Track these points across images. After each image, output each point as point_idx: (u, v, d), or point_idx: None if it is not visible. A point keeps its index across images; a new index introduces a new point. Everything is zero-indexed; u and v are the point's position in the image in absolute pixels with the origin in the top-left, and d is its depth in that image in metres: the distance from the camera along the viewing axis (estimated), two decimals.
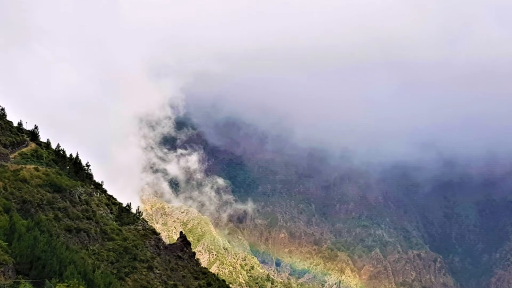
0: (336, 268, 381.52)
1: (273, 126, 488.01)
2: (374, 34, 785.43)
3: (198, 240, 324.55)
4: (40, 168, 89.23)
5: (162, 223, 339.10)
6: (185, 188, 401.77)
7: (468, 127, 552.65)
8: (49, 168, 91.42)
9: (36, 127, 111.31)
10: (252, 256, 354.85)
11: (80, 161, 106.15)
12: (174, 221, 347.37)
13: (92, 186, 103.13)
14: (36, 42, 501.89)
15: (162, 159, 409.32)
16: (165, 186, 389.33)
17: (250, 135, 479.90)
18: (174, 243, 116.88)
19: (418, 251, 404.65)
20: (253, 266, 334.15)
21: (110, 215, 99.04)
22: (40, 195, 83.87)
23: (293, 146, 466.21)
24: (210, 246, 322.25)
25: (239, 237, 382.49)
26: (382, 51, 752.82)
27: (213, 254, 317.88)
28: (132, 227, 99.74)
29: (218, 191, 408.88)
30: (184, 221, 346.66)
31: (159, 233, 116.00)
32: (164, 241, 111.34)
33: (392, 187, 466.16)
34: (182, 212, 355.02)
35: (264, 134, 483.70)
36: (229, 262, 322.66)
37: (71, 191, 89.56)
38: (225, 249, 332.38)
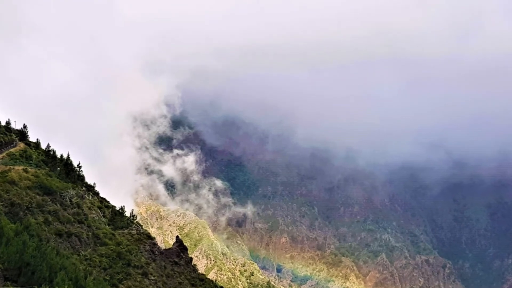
0: (340, 274, 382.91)
1: (274, 125, 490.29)
2: (379, 29, 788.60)
3: (195, 245, 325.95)
4: (29, 169, 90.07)
5: (158, 227, 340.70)
6: (182, 190, 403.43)
7: (478, 126, 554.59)
8: (38, 169, 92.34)
9: (25, 126, 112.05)
10: (252, 261, 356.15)
11: (71, 162, 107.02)
12: (170, 225, 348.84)
13: (84, 188, 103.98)
14: (27, 38, 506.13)
15: (158, 160, 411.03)
16: (161, 188, 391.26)
17: (250, 135, 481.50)
18: (170, 248, 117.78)
19: (426, 257, 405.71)
20: (253, 272, 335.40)
21: (103, 219, 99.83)
22: (29, 198, 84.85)
23: (295, 146, 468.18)
24: (208, 251, 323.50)
25: (238, 241, 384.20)
26: (387, 47, 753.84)
27: (211, 260, 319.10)
28: (126, 231, 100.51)
29: (216, 193, 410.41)
30: (181, 225, 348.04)
31: (154, 238, 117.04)
32: (159, 246, 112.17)
33: (399, 189, 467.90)
34: (178, 216, 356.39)
35: (264, 133, 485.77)
36: (228, 268, 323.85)
37: (62, 193, 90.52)
38: (223, 254, 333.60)
